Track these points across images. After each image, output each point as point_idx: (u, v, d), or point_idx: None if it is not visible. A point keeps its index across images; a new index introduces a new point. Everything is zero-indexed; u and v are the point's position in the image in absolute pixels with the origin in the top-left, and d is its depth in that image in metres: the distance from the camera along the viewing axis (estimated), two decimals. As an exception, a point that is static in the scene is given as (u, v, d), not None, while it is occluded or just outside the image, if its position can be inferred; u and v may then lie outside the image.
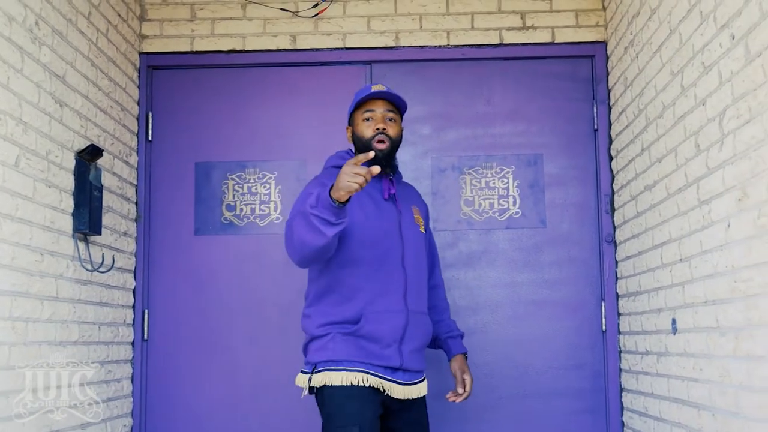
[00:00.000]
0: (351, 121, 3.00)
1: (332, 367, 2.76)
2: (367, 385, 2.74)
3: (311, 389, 2.80)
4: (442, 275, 3.26)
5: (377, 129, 2.89)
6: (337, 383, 2.73)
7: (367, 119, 2.92)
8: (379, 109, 2.92)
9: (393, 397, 2.81)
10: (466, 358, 3.12)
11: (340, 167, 2.78)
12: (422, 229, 3.02)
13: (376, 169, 2.45)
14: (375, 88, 2.93)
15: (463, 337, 3.16)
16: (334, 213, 2.47)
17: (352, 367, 2.75)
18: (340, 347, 2.77)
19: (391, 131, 2.92)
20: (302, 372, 2.86)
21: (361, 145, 2.91)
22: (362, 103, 2.95)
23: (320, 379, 2.77)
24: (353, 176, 2.42)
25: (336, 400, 2.74)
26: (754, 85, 2.29)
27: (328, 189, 2.48)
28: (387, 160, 2.90)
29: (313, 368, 2.80)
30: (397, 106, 2.98)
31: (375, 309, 2.78)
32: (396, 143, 2.94)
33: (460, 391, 3.01)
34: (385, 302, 2.80)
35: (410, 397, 2.86)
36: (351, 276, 2.81)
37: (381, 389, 2.77)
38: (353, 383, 2.72)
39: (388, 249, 2.85)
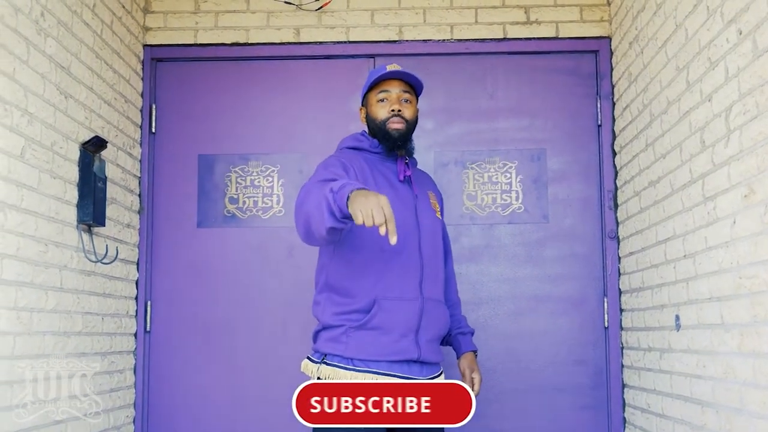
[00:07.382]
0: (365, 102, 2.87)
1: (342, 365, 2.61)
2: None
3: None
4: (454, 269, 3.09)
5: (392, 111, 2.76)
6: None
7: (382, 100, 2.79)
8: (395, 89, 2.79)
9: None
10: (476, 356, 2.96)
11: (355, 149, 2.81)
12: (438, 215, 2.90)
13: (393, 239, 2.19)
14: (390, 68, 2.79)
15: (474, 334, 3.01)
16: (342, 212, 2.25)
17: (363, 368, 2.60)
18: (353, 343, 2.62)
19: (407, 113, 2.78)
20: (309, 359, 2.72)
21: (375, 127, 2.79)
22: (376, 83, 2.81)
23: (328, 373, 2.62)
24: (372, 213, 2.15)
25: None
26: (761, 81, 2.29)
27: (350, 188, 2.24)
28: (403, 142, 2.78)
29: (323, 358, 2.66)
30: (413, 87, 2.84)
31: (388, 296, 2.63)
32: (412, 125, 2.80)
33: None
34: (400, 289, 2.64)
35: None
36: (364, 262, 2.65)
37: None
38: None
39: (404, 233, 2.67)
